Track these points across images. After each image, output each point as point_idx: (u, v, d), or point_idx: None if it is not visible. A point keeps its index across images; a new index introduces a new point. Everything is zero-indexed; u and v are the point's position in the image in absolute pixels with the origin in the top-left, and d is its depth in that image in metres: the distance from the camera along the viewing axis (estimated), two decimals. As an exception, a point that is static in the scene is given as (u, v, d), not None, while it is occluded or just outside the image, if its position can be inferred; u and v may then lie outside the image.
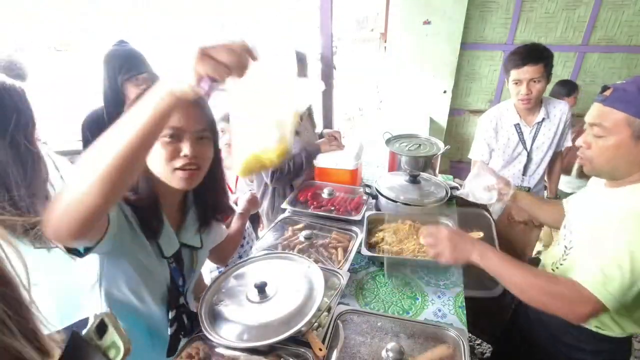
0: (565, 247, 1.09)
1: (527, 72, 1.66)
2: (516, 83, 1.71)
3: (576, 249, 1.04)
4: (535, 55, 1.65)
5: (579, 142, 1.02)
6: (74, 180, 0.60)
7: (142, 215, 0.87)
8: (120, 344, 0.51)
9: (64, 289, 1.22)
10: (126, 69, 1.58)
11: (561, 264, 1.10)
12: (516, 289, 0.95)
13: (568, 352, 1.09)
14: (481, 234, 1.30)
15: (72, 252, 0.73)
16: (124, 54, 1.62)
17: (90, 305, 1.32)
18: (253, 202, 1.39)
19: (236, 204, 1.37)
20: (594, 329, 1.03)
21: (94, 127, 1.67)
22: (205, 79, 0.59)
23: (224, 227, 1.24)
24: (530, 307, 1.09)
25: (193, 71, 0.58)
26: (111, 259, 0.87)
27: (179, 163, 0.84)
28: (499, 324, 1.97)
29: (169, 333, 0.98)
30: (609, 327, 1.01)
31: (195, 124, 0.85)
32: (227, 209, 1.13)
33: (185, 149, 0.83)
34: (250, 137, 0.73)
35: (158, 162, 0.84)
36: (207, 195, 1.02)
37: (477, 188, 1.38)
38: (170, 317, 0.97)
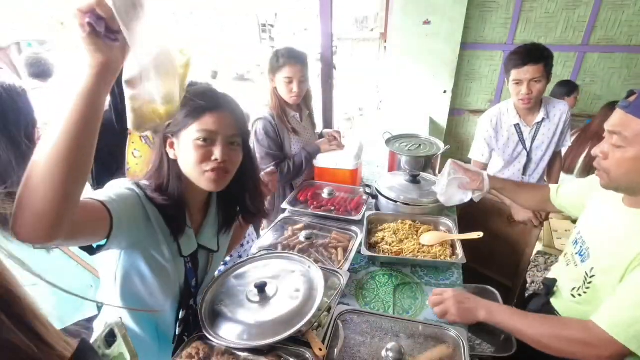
0: (586, 274, 1.01)
1: (527, 72, 1.66)
2: (517, 83, 1.71)
3: (598, 277, 0.97)
4: (535, 55, 1.65)
5: (596, 151, 0.94)
6: (28, 173, 0.56)
7: (167, 213, 0.88)
8: (128, 356, 0.51)
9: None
10: None
11: (584, 292, 1.02)
12: (531, 341, 0.94)
13: None
14: (481, 234, 1.30)
15: (84, 248, 0.74)
16: None
17: (88, 306, 1.33)
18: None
19: None
20: None
21: (103, 132, 1.65)
22: (87, 15, 0.54)
23: (247, 229, 1.26)
24: None
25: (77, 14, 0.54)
26: (127, 254, 0.87)
27: (209, 166, 0.87)
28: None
29: (176, 333, 0.98)
30: None
31: (227, 129, 0.89)
32: (261, 212, 1.12)
33: (217, 152, 0.87)
34: (144, 87, 0.68)
35: (190, 163, 0.87)
36: (233, 199, 1.04)
37: (453, 193, 1.39)
38: (180, 317, 0.98)
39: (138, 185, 0.87)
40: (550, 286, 1.16)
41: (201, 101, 0.86)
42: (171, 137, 0.89)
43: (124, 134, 1.33)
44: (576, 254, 1.07)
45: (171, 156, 0.90)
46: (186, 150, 0.87)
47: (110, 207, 0.74)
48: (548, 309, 1.14)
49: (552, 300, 1.16)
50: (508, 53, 1.78)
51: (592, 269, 0.99)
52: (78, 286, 1.20)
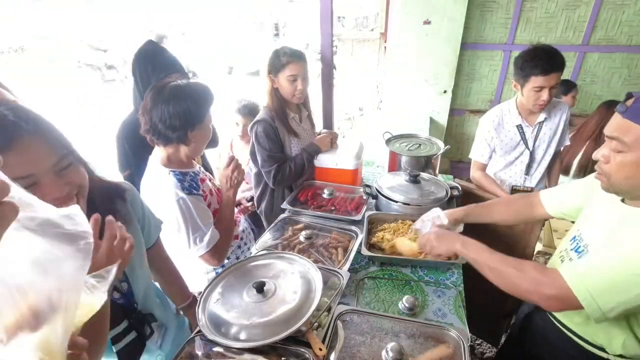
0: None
1: (553, 78, 1.64)
2: (538, 89, 1.69)
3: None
4: (560, 61, 1.64)
5: (597, 155, 0.93)
6: None
7: None
8: None
9: None
10: (159, 69, 1.58)
11: None
12: (490, 273, 1.00)
13: None
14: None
15: None
16: (155, 54, 1.62)
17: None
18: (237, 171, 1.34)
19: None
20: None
21: (129, 136, 1.64)
22: None
23: (199, 199, 1.24)
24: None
25: None
26: None
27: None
28: (500, 325, 1.97)
29: (115, 350, 0.91)
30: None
31: (47, 159, 0.69)
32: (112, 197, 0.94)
33: (50, 193, 0.68)
34: None
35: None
36: (98, 205, 0.86)
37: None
38: (111, 335, 0.90)
39: None
40: None
41: None
42: None
43: None
44: (572, 249, 1.08)
45: None
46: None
47: None
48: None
49: None
50: (519, 55, 1.73)
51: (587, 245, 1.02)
52: None
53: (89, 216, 0.78)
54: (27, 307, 0.42)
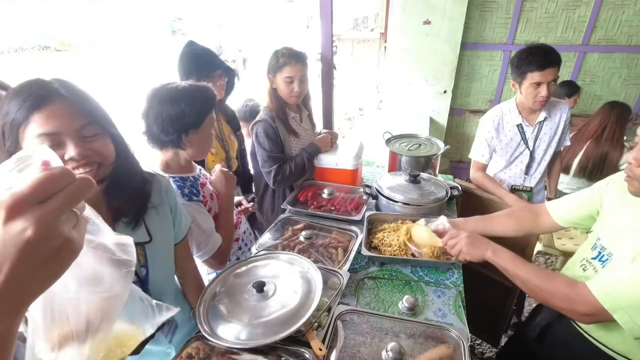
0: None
1: (549, 74, 1.66)
2: (536, 85, 1.70)
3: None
4: (555, 57, 1.66)
5: (627, 158, 0.94)
6: None
7: None
8: None
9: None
10: (201, 67, 1.62)
11: None
12: (521, 284, 1.02)
13: None
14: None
15: None
16: (196, 53, 1.65)
17: None
18: (226, 180, 1.34)
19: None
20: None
21: None
22: None
23: (200, 205, 1.22)
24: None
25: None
26: None
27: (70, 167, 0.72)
28: (500, 325, 1.97)
29: None
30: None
31: (71, 122, 0.73)
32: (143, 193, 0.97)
33: (70, 151, 0.73)
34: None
35: None
36: (124, 186, 0.89)
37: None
38: None
39: None
40: None
41: (23, 101, 0.70)
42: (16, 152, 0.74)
43: None
44: (594, 259, 1.07)
45: None
46: None
47: None
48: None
49: None
50: (515, 54, 1.75)
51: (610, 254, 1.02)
52: None
53: (110, 188, 0.86)
54: (73, 323, 0.43)
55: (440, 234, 1.29)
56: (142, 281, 0.96)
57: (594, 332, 1.04)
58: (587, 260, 1.09)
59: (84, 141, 0.75)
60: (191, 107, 1.12)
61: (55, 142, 0.72)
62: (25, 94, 0.71)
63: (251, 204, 1.82)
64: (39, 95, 0.72)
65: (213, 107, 1.21)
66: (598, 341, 1.03)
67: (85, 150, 0.75)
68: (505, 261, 1.08)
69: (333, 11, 2.16)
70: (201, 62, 1.65)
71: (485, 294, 1.75)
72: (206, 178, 1.38)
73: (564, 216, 1.22)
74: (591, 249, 1.09)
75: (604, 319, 0.88)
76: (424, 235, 1.30)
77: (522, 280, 1.03)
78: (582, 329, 1.07)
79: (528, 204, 1.85)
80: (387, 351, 0.89)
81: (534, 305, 1.53)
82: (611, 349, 1.00)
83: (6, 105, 0.72)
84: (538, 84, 1.70)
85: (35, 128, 0.71)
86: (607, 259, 1.02)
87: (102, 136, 0.79)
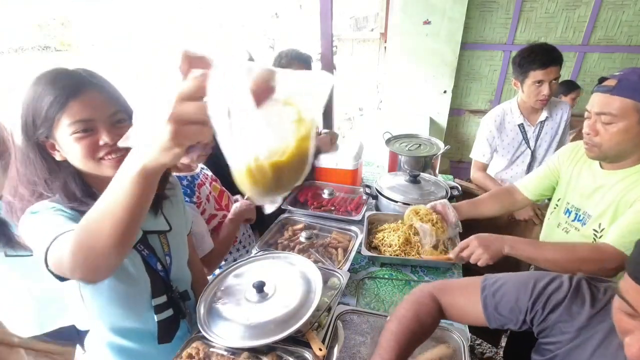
0: (595, 230, 1.16)
1: (551, 72, 1.68)
2: (538, 84, 1.71)
3: (608, 227, 1.12)
4: (556, 55, 1.68)
5: (586, 129, 1.09)
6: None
7: None
8: None
9: (44, 295, 1.21)
10: None
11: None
12: (550, 265, 1.06)
13: None
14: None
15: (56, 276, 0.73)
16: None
17: (73, 313, 1.31)
18: (248, 210, 1.40)
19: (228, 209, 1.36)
20: None
21: None
22: (191, 148, 0.48)
23: (192, 207, 1.23)
24: None
25: (173, 149, 0.47)
26: None
27: (102, 152, 0.79)
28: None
29: (157, 320, 0.96)
30: None
31: (104, 109, 0.79)
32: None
33: (105, 137, 0.78)
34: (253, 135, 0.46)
35: (79, 158, 0.78)
36: None
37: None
38: (154, 304, 0.95)
39: (55, 202, 0.80)
40: None
41: (59, 90, 0.75)
42: (47, 140, 0.79)
43: None
44: (573, 220, 1.24)
45: (58, 158, 0.81)
46: (69, 148, 0.78)
47: None
48: None
49: None
50: (517, 53, 1.77)
51: (599, 224, 1.15)
52: (60, 292, 1.20)
53: None
54: None
55: (437, 212, 1.37)
56: (166, 270, 0.98)
57: None
58: (567, 224, 1.26)
59: (115, 127, 0.80)
60: None
61: (90, 127, 0.77)
62: (61, 84, 0.75)
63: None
64: (75, 84, 0.77)
65: None
66: None
67: (117, 136, 0.78)
68: (528, 251, 1.11)
69: (333, 11, 2.15)
70: None
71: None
72: (207, 178, 1.38)
73: (532, 190, 1.41)
74: (564, 214, 1.27)
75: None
76: (433, 253, 1.32)
77: (551, 261, 1.06)
78: None
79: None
80: (387, 351, 0.89)
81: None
82: None
83: (37, 96, 0.75)
84: (540, 82, 1.70)
85: (71, 115, 0.75)
86: (584, 217, 1.20)
87: (129, 122, 0.83)
